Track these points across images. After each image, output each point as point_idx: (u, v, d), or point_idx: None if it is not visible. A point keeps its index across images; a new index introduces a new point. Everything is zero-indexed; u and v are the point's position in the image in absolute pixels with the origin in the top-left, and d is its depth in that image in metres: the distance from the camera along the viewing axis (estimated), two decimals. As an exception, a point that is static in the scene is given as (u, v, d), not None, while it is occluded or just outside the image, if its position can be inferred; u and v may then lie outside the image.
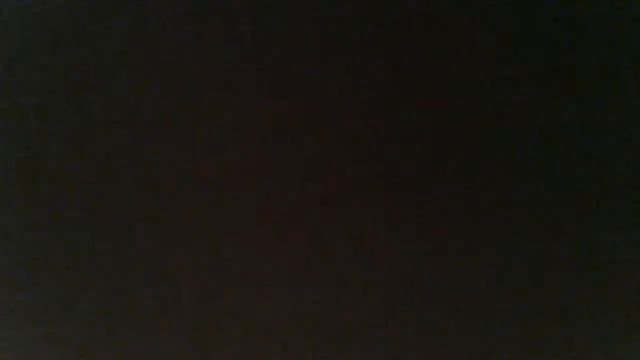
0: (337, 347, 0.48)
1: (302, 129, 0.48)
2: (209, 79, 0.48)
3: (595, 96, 0.48)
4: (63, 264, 0.49)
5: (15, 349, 0.50)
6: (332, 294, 0.48)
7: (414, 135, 0.48)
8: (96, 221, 0.49)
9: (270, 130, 0.48)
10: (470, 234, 0.48)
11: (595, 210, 0.48)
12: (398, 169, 0.48)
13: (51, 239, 0.49)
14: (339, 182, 0.48)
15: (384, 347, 0.48)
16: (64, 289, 0.49)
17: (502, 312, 0.48)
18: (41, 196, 0.49)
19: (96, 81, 0.49)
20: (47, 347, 0.49)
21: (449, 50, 0.48)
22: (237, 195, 0.48)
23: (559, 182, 0.48)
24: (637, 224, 0.48)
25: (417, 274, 0.48)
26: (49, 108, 0.49)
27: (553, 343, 0.48)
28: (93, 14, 0.49)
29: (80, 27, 0.49)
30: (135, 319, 0.49)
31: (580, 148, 0.48)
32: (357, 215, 0.48)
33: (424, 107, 0.48)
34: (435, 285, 0.48)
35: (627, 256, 0.48)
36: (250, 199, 0.48)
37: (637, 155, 0.48)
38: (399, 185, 0.48)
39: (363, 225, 0.48)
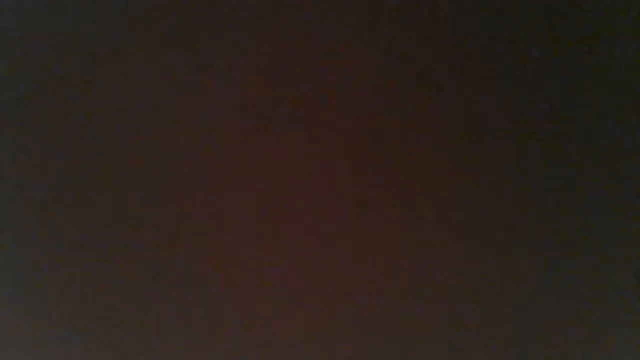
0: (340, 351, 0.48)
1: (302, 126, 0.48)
2: (210, 80, 0.48)
3: (598, 94, 0.48)
4: (63, 265, 0.49)
5: (16, 350, 0.50)
6: (336, 298, 0.48)
7: (415, 134, 0.48)
8: (98, 222, 0.49)
9: (271, 128, 0.48)
10: (470, 234, 0.48)
11: (597, 208, 0.48)
12: (403, 168, 0.48)
13: (51, 239, 0.49)
14: (338, 182, 0.48)
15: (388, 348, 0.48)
16: (63, 290, 0.49)
17: (503, 314, 0.48)
18: (42, 196, 0.49)
19: (96, 79, 0.49)
20: (46, 348, 0.49)
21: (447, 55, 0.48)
22: (239, 195, 0.48)
23: (561, 182, 0.48)
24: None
25: (416, 274, 0.48)
26: (49, 107, 0.49)
27: (553, 346, 0.48)
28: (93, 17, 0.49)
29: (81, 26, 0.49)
30: (135, 321, 0.49)
31: (582, 147, 0.48)
32: (358, 216, 0.48)
33: (423, 106, 0.48)
34: (438, 286, 0.48)
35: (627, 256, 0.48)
36: (252, 200, 0.48)
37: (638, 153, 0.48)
38: (399, 186, 0.48)
39: (364, 227, 0.48)
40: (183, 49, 0.48)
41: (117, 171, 0.49)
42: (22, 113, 0.49)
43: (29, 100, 0.49)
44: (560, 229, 0.48)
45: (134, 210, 0.49)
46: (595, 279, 0.48)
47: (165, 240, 0.48)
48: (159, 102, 0.48)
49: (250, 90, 0.48)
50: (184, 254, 0.48)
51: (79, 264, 0.49)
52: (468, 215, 0.48)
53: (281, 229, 0.48)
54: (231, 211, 0.48)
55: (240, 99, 0.48)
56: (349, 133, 0.48)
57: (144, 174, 0.49)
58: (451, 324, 0.48)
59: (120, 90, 0.49)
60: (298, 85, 0.48)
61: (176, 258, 0.48)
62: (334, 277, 0.48)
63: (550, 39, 0.48)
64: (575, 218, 0.48)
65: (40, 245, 0.49)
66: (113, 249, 0.49)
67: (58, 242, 0.49)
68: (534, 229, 0.48)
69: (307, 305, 0.48)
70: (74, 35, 0.49)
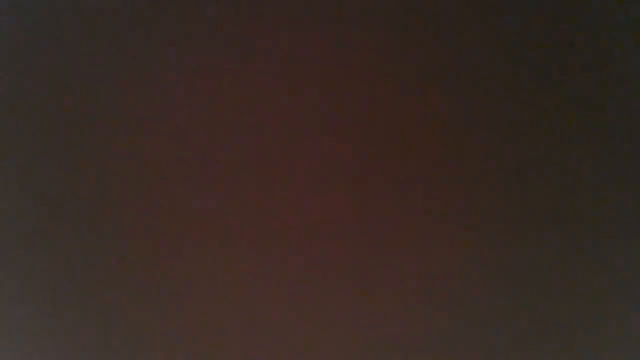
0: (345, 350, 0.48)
1: (309, 128, 0.48)
2: (217, 78, 0.48)
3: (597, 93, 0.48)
4: (63, 265, 0.49)
5: (15, 351, 0.49)
6: (338, 298, 0.48)
7: (419, 133, 0.48)
8: (97, 223, 0.49)
9: (277, 129, 0.48)
10: (472, 232, 0.48)
11: (597, 210, 0.48)
12: (402, 168, 0.48)
13: (51, 240, 0.49)
14: (345, 183, 0.48)
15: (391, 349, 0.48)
16: (63, 290, 0.49)
17: (505, 312, 0.48)
18: (43, 197, 0.49)
19: (96, 80, 0.49)
20: (45, 349, 0.49)
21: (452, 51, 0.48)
22: (241, 195, 0.48)
23: (561, 181, 0.48)
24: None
25: (418, 274, 0.48)
26: (49, 108, 0.49)
27: (554, 345, 0.48)
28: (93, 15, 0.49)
29: (80, 27, 0.49)
30: (135, 321, 0.49)
31: (582, 146, 0.48)
32: (362, 217, 0.48)
33: (427, 106, 0.48)
34: (440, 285, 0.48)
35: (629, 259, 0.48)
36: (255, 200, 0.48)
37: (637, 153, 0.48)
38: (403, 184, 0.48)
39: (369, 228, 0.48)
40: (185, 50, 0.48)
41: (117, 173, 0.49)
42: (21, 114, 0.49)
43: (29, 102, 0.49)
44: (566, 228, 0.48)
45: (134, 211, 0.48)
46: (600, 279, 0.48)
47: (165, 240, 0.48)
48: (162, 103, 0.49)
49: (252, 92, 0.48)
50: (184, 254, 0.48)
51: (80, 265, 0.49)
52: (472, 215, 0.48)
53: (282, 229, 0.48)
54: (232, 211, 0.48)
55: (241, 100, 0.48)
56: (350, 134, 0.48)
57: (145, 174, 0.49)
58: (452, 323, 0.48)
59: (122, 90, 0.49)
60: (301, 86, 0.48)
61: (176, 258, 0.48)
62: (334, 277, 0.48)
63: (556, 39, 0.48)
64: (580, 217, 0.48)
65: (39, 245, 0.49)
66: (115, 252, 0.49)
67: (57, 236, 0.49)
68: (539, 228, 0.48)
69: (307, 305, 0.48)
70: (74, 37, 0.49)
